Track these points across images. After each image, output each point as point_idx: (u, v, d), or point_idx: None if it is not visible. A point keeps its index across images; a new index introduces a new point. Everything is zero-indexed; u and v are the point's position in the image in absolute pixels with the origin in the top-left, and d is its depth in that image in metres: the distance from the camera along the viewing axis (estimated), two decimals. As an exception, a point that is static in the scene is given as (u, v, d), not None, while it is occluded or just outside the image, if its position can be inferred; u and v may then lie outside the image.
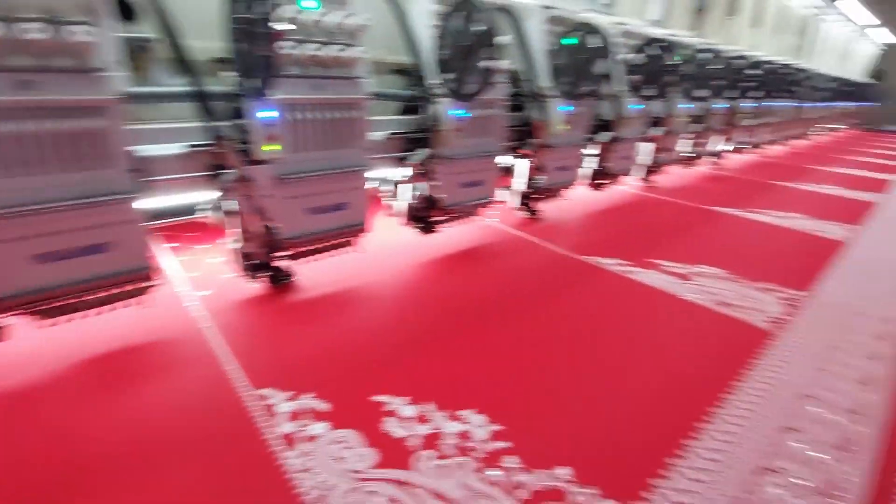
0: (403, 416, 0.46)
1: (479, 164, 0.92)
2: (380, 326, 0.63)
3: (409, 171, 0.84)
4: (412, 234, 0.89)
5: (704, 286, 0.78)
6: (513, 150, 1.06)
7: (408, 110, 0.87)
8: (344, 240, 0.78)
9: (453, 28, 0.72)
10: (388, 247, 0.87)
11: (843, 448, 0.46)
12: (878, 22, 3.47)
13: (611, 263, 0.86)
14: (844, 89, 3.08)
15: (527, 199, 1.10)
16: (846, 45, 3.37)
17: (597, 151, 1.23)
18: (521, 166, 1.05)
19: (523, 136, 1.03)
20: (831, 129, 3.19)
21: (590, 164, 1.27)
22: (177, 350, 0.56)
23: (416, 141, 0.83)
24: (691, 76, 1.34)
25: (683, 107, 1.40)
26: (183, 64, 0.59)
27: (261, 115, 0.61)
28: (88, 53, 0.50)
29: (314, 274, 0.75)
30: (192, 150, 0.63)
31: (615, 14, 1.18)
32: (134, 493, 0.37)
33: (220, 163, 0.64)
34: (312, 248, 0.73)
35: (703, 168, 1.82)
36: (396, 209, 0.90)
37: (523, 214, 1.09)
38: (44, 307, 0.54)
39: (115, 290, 0.57)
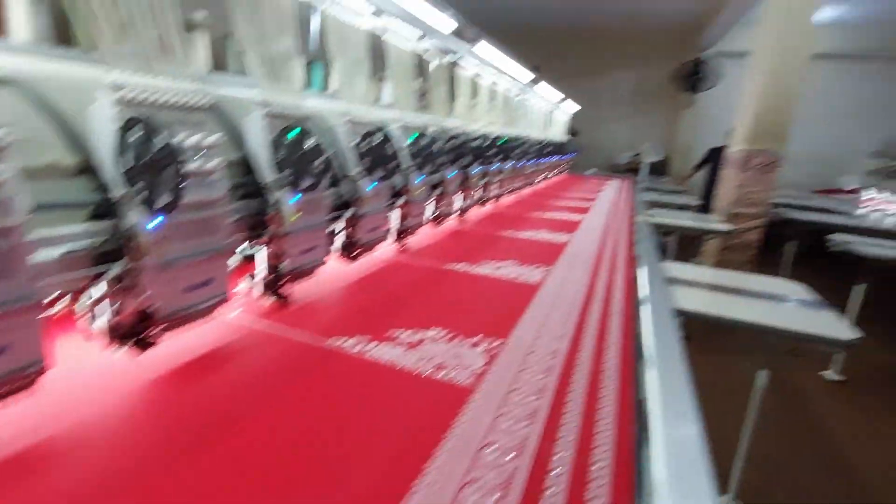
0: None
1: (204, 264, 0.88)
2: (78, 487, 0.53)
3: (104, 286, 0.75)
4: (122, 355, 0.78)
5: (427, 352, 0.90)
6: (250, 240, 1.06)
7: (98, 214, 0.77)
8: (15, 386, 0.64)
9: (134, 142, 0.69)
10: (90, 378, 0.75)
11: (505, 487, 0.59)
12: (563, 97, 4.60)
13: (351, 344, 0.92)
14: (551, 147, 3.94)
15: (273, 285, 1.10)
16: (547, 114, 4.36)
17: (344, 226, 1.33)
18: (261, 255, 1.05)
19: (259, 226, 1.03)
20: (546, 178, 4.03)
21: (340, 239, 1.36)
22: None
23: (111, 252, 0.75)
24: (420, 153, 1.56)
25: (419, 180, 1.60)
26: None
27: None
28: None
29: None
30: None
31: (343, 100, 1.30)
32: None
33: None
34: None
35: (448, 224, 2.09)
36: (97, 330, 0.79)
37: (271, 301, 1.08)
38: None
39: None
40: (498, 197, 2.81)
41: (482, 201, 2.52)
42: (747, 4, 4.20)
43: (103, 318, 0.77)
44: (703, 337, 2.68)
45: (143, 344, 0.80)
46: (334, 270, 1.31)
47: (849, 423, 2.40)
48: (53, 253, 0.68)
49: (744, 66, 3.84)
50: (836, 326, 1.21)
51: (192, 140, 0.79)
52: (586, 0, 6.25)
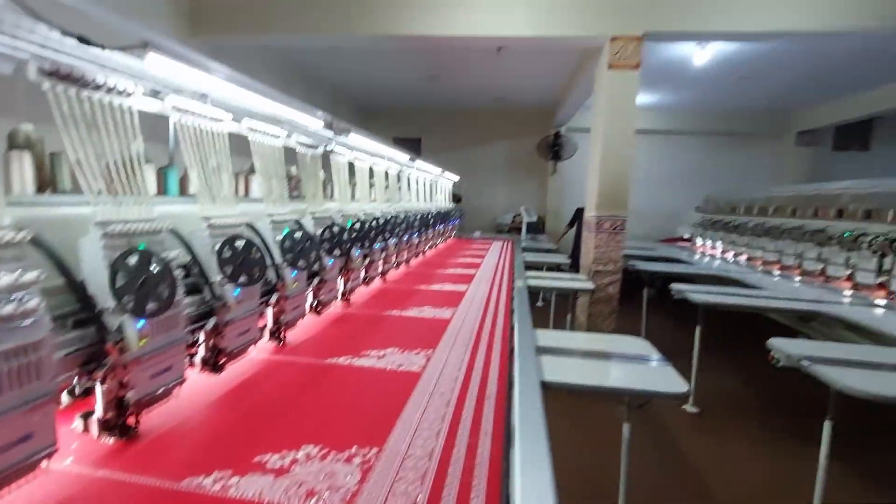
0: None
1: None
2: None
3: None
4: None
5: (297, 477, 0.85)
6: (86, 375, 0.94)
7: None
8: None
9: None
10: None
11: None
12: (441, 170, 4.92)
13: (211, 482, 0.83)
14: (435, 217, 4.12)
15: (118, 419, 0.97)
16: (431, 185, 4.60)
17: (204, 339, 1.24)
18: (100, 390, 0.93)
19: (95, 359, 0.92)
20: (434, 245, 4.18)
21: (202, 351, 1.26)
22: None
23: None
24: (294, 248, 1.55)
25: (293, 274, 1.57)
26: None
27: None
28: None
29: None
30: None
31: (202, 202, 1.25)
32: None
33: None
34: None
35: (332, 310, 2.06)
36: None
37: (113, 440, 0.95)
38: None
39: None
40: (384, 273, 2.85)
41: (367, 281, 2.53)
42: (587, 91, 4.99)
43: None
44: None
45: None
46: (195, 387, 1.21)
47: (705, 451, 2.72)
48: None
49: (588, 139, 4.48)
50: (673, 381, 1.40)
51: (6, 281, 0.70)
52: (461, 86, 6.95)
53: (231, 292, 1.23)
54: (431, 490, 0.82)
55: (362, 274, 2.42)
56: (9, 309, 0.70)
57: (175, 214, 1.18)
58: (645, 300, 4.17)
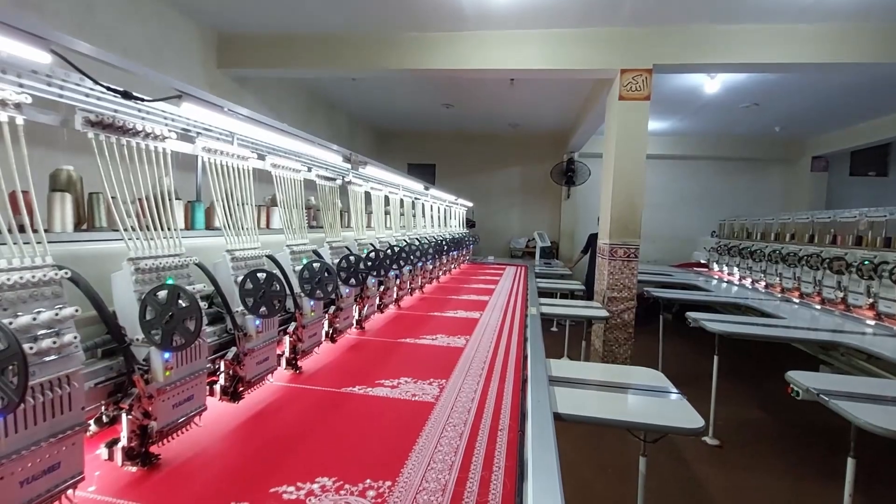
0: None
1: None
2: None
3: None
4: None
5: (312, 511, 0.87)
6: (113, 404, 0.98)
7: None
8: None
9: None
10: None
11: None
12: (454, 198, 4.98)
13: (227, 514, 0.86)
14: (449, 243, 4.16)
15: (141, 447, 1.00)
16: (445, 211, 4.66)
17: (224, 368, 1.27)
18: (124, 420, 0.97)
19: (122, 389, 0.96)
20: (449, 271, 4.21)
21: (222, 380, 1.30)
22: None
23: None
24: (312, 278, 1.59)
25: (310, 303, 1.61)
26: None
27: None
28: None
29: None
30: None
31: (227, 234, 1.31)
32: None
33: None
34: None
35: (347, 337, 2.09)
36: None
37: (136, 468, 0.98)
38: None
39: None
40: (399, 300, 2.88)
41: (382, 308, 2.56)
42: (599, 119, 5.05)
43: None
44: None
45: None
46: (214, 416, 1.24)
47: (725, 484, 2.64)
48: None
49: (601, 165, 4.52)
50: (689, 416, 1.39)
51: (45, 317, 0.75)
52: (475, 113, 7.10)
53: (252, 323, 1.27)
54: (444, 525, 0.83)
55: (377, 301, 2.46)
56: (47, 343, 0.74)
57: (201, 247, 1.23)
58: (661, 328, 4.12)
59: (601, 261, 4.08)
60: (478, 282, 4.13)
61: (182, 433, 1.09)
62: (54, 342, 0.75)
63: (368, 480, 0.96)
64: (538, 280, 4.34)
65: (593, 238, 5.71)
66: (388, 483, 0.95)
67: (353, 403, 1.38)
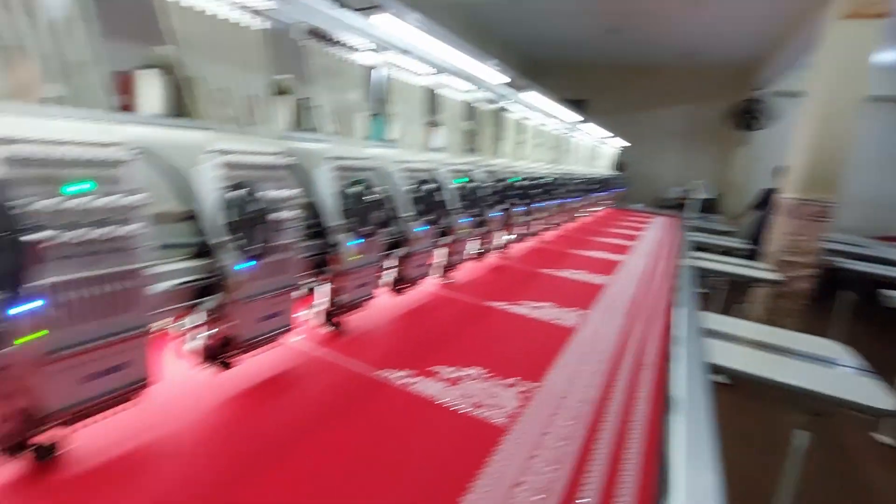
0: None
1: (275, 299, 1.01)
2: (180, 483, 0.65)
3: (201, 316, 0.89)
4: (208, 373, 0.92)
5: (466, 390, 0.98)
6: (313, 276, 1.19)
7: (200, 254, 0.92)
8: (123, 398, 0.77)
9: (235, 200, 0.83)
10: (181, 392, 0.88)
11: None
12: (611, 134, 4.65)
13: (399, 376, 1.02)
14: (596, 183, 3.97)
15: (331, 315, 1.22)
16: (593, 150, 4.41)
17: (395, 263, 1.45)
18: (322, 289, 1.18)
19: (322, 264, 1.17)
20: (592, 213, 4.05)
21: (390, 275, 1.48)
22: None
23: (208, 287, 0.89)
24: (467, 196, 1.67)
25: (465, 220, 1.71)
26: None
27: (14, 311, 0.61)
28: None
29: (91, 440, 0.72)
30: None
31: (400, 148, 1.43)
32: None
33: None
34: (85, 413, 0.71)
35: (491, 259, 2.18)
36: (191, 351, 0.93)
37: (328, 330, 1.21)
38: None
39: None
40: (540, 234, 2.88)
41: (523, 238, 2.60)
42: (804, 47, 4.13)
43: (196, 342, 0.90)
44: (747, 384, 2.62)
45: (225, 364, 0.93)
46: (383, 303, 1.43)
47: (902, 494, 2.26)
48: (164, 286, 0.82)
49: (799, 106, 3.77)
50: (873, 393, 1.20)
51: (277, 195, 0.93)
52: (644, 39, 6.31)
53: (418, 228, 1.40)
54: (589, 428, 0.88)
55: (520, 230, 2.50)
56: (280, 215, 0.92)
57: (378, 156, 1.37)
58: (842, 305, 3.48)
59: (779, 218, 3.51)
60: (623, 227, 3.90)
61: (357, 313, 1.28)
62: (284, 215, 0.93)
63: (517, 378, 1.04)
64: (694, 234, 3.93)
65: (768, 193, 4.90)
66: (534, 385, 1.02)
67: (496, 317, 1.47)
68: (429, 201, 1.35)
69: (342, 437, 0.81)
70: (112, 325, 0.69)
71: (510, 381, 1.03)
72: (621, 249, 2.85)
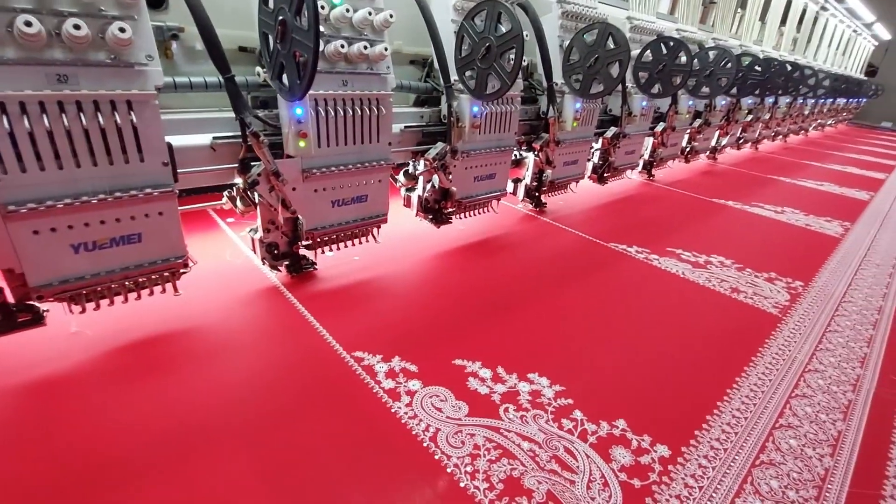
0: (482, 376, 0.54)
1: (493, 158, 0.95)
2: (430, 307, 0.67)
3: (422, 164, 0.87)
4: (426, 225, 0.92)
5: (717, 274, 0.83)
6: (523, 144, 1.09)
7: (423, 101, 0.89)
8: (364, 230, 0.80)
9: (475, 28, 0.74)
10: (405, 237, 0.90)
11: (844, 412, 0.52)
12: (873, 18, 3.51)
13: (633, 251, 0.91)
14: (841, 85, 3.12)
15: (534, 191, 1.13)
16: (844, 40, 3.41)
17: (602, 146, 1.27)
18: (530, 160, 1.08)
19: (534, 130, 1.06)
20: (826, 125, 3.24)
21: (595, 158, 1.31)
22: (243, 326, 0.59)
23: (432, 134, 0.86)
24: (699, 74, 1.37)
25: (688, 104, 1.43)
26: (213, 53, 0.61)
27: (292, 111, 0.63)
28: (126, 48, 0.51)
29: (332, 263, 0.78)
30: (221, 142, 0.66)
31: (627, 7, 1.20)
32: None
33: (248, 155, 0.66)
34: (333, 237, 0.75)
35: (699, 162, 1.86)
36: (412, 200, 0.93)
37: (530, 206, 1.13)
38: (79, 293, 0.58)
39: (151, 276, 0.61)
40: (757, 142, 2.35)
41: (738, 144, 2.13)
42: None
43: (418, 192, 0.90)
44: None
45: (441, 219, 0.92)
46: (584, 188, 1.30)
47: None
48: (398, 127, 0.81)
49: None
50: None
51: (504, 28, 0.81)
52: None
53: (638, 103, 1.19)
54: (889, 337, 0.67)
55: (738, 131, 2.05)
56: (507, 58, 0.81)
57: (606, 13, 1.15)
58: None
59: None
60: (872, 144, 3.01)
61: (560, 193, 1.17)
62: (510, 59, 0.81)
63: (774, 273, 0.85)
64: None
65: None
66: (800, 283, 0.82)
67: (728, 213, 1.23)
68: (659, 70, 1.12)
69: (601, 287, 0.78)
70: (362, 153, 0.71)
71: (768, 275, 0.84)
72: (876, 167, 2.19)
